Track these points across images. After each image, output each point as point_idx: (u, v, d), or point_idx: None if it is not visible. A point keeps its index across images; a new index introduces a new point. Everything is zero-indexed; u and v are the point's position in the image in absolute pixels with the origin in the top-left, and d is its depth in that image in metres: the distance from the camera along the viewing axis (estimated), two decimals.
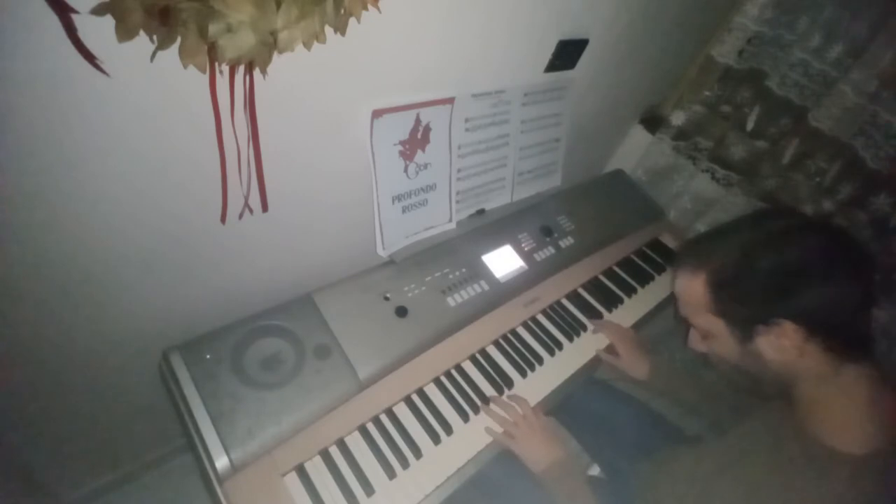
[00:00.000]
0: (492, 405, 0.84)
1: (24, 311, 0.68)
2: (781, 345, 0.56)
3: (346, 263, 0.93)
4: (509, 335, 0.97)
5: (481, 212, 1.08)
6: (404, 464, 0.74)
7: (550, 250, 1.08)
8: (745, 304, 0.59)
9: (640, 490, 0.72)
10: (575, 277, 1.11)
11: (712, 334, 0.64)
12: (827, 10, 1.06)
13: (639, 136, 1.51)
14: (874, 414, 0.54)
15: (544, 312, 1.03)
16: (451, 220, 1.02)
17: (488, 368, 0.90)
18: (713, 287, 0.61)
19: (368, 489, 0.70)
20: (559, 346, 0.98)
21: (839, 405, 0.55)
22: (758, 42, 1.17)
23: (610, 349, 1.00)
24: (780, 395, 0.62)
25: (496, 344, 0.95)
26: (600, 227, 1.20)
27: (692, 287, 0.64)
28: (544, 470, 0.78)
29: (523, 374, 0.91)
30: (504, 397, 0.86)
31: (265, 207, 0.75)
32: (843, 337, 0.56)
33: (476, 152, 1.00)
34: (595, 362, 0.99)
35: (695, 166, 1.38)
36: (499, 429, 0.82)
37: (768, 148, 1.23)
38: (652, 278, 1.20)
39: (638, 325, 1.10)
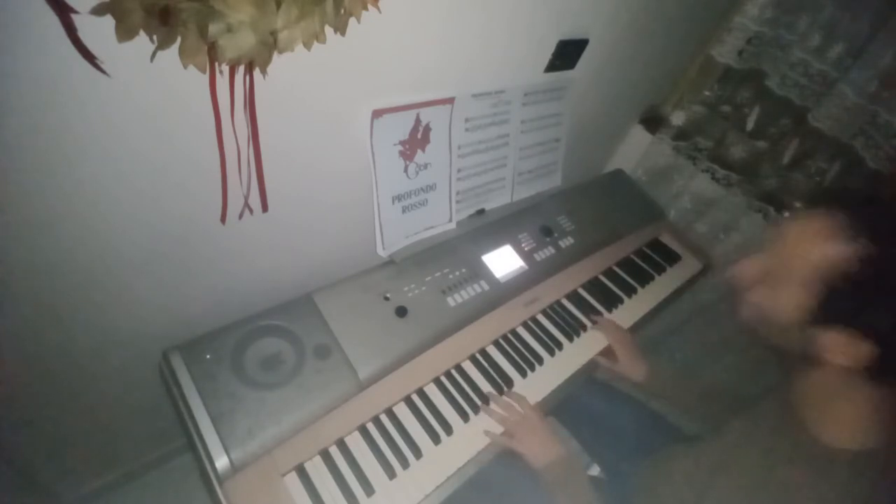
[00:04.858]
0: (492, 404, 0.84)
1: (25, 311, 0.68)
2: (841, 347, 0.50)
3: (346, 263, 0.93)
4: (509, 335, 0.97)
5: (481, 212, 1.08)
6: (404, 464, 0.74)
7: (550, 250, 1.08)
8: (851, 302, 0.49)
9: (639, 490, 0.72)
10: (575, 277, 1.11)
11: (783, 295, 0.54)
12: (827, 10, 1.06)
13: (639, 136, 1.51)
14: (876, 412, 0.54)
15: (544, 312, 1.03)
16: (451, 220, 1.02)
17: (488, 368, 0.90)
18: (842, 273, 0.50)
19: (368, 489, 0.70)
20: (559, 346, 0.98)
21: (845, 403, 0.55)
22: (758, 42, 1.17)
23: (607, 351, 0.99)
24: (799, 361, 0.57)
25: (496, 344, 0.95)
26: (600, 227, 1.20)
27: (820, 252, 0.51)
28: (546, 466, 0.77)
29: (523, 374, 0.91)
30: (504, 396, 0.86)
31: (265, 207, 0.75)
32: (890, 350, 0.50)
33: (476, 152, 1.00)
34: (595, 362, 0.99)
35: (695, 166, 1.38)
36: (499, 429, 0.81)
37: (768, 148, 1.24)
38: (652, 278, 1.20)
39: (638, 325, 1.10)
